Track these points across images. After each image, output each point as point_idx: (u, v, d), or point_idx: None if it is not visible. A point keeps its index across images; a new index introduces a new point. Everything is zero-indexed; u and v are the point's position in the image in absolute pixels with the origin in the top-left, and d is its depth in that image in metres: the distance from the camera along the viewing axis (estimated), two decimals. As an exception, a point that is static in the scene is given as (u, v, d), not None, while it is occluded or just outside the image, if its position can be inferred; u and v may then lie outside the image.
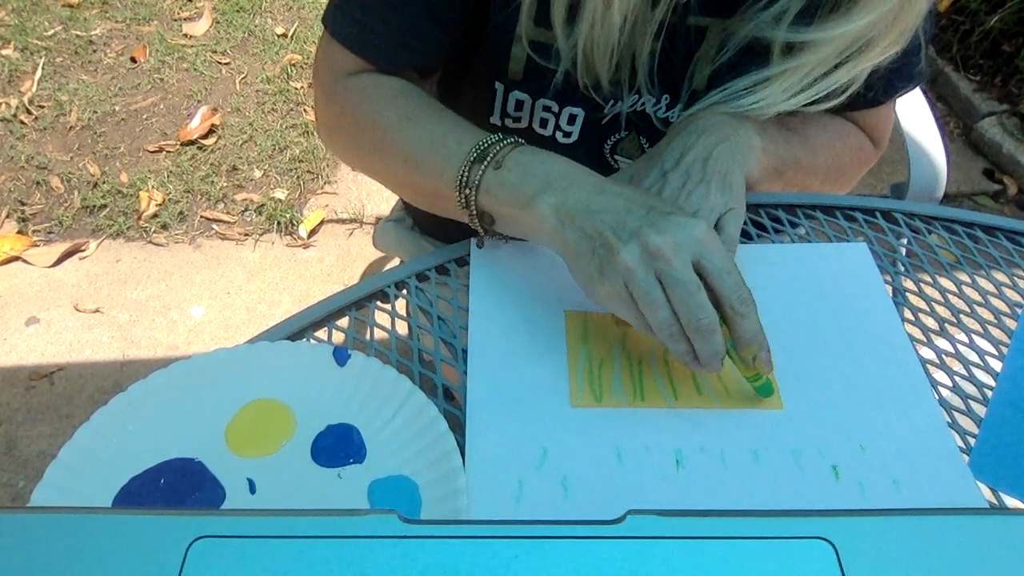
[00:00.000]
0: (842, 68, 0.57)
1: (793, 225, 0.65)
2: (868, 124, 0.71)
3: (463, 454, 0.45)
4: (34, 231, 1.67)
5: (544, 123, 0.65)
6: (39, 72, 2.01)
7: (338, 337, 0.54)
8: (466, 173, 0.52)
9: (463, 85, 0.68)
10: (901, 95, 0.68)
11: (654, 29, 0.57)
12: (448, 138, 0.55)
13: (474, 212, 0.53)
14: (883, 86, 0.64)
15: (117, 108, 1.95)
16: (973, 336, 0.55)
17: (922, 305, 0.58)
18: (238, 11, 2.27)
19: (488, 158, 0.52)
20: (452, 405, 0.49)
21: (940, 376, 0.52)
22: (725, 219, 0.56)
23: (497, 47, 0.60)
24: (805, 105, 0.59)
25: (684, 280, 0.44)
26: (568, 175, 0.51)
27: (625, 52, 0.58)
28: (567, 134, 0.65)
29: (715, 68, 0.61)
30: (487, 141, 0.53)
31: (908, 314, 0.57)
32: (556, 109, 0.63)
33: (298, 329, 0.54)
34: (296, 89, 2.02)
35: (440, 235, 0.86)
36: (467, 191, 0.53)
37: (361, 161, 0.64)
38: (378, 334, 0.54)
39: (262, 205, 1.74)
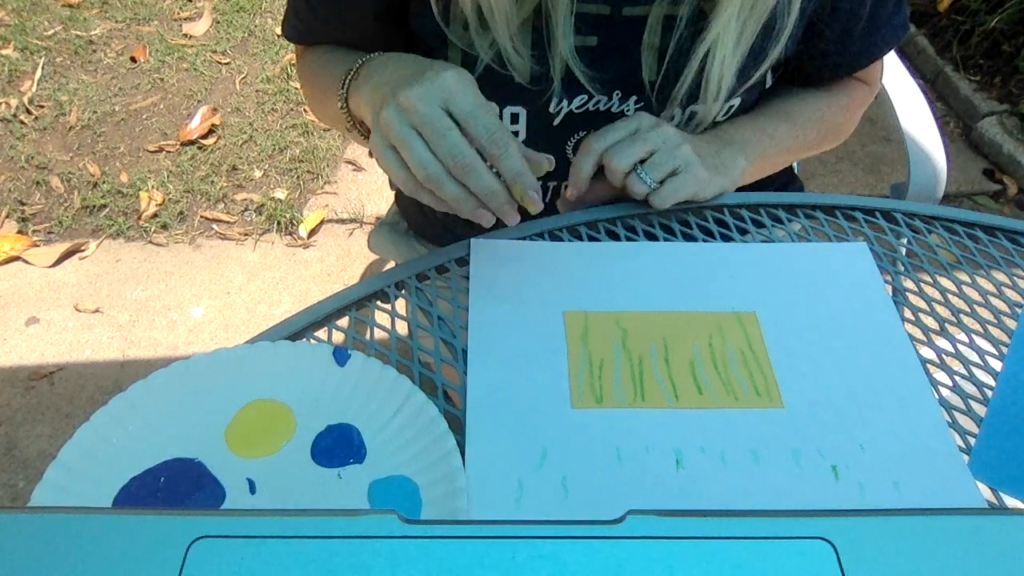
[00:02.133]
0: None
1: (793, 224, 0.65)
2: (859, 77, 0.73)
3: (463, 454, 0.45)
4: (34, 231, 1.67)
5: None
6: (39, 72, 2.01)
7: (338, 337, 0.54)
8: (341, 88, 0.57)
9: None
10: (886, 52, 0.69)
11: (566, 22, 0.57)
12: (344, 65, 0.60)
13: (351, 123, 0.58)
14: (864, 48, 0.66)
15: (117, 108, 1.95)
16: (973, 336, 0.55)
17: (922, 305, 0.58)
18: (238, 11, 2.27)
19: (352, 71, 0.57)
20: (452, 405, 0.49)
21: (940, 376, 0.52)
22: (680, 173, 0.60)
23: (432, 54, 0.61)
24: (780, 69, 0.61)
25: (432, 122, 0.46)
26: (393, 63, 0.54)
27: (551, 48, 0.59)
28: (514, 133, 0.65)
29: (667, 55, 0.60)
30: (360, 59, 0.57)
31: (908, 314, 0.57)
32: (497, 110, 0.64)
33: (298, 329, 0.54)
34: (296, 89, 2.02)
35: (434, 239, 0.86)
36: (341, 104, 0.58)
37: (312, 108, 0.72)
38: (378, 334, 0.54)
39: (262, 205, 1.74)
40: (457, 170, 0.46)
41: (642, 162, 0.59)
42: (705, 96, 0.61)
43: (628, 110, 0.64)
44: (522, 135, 0.66)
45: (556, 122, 0.65)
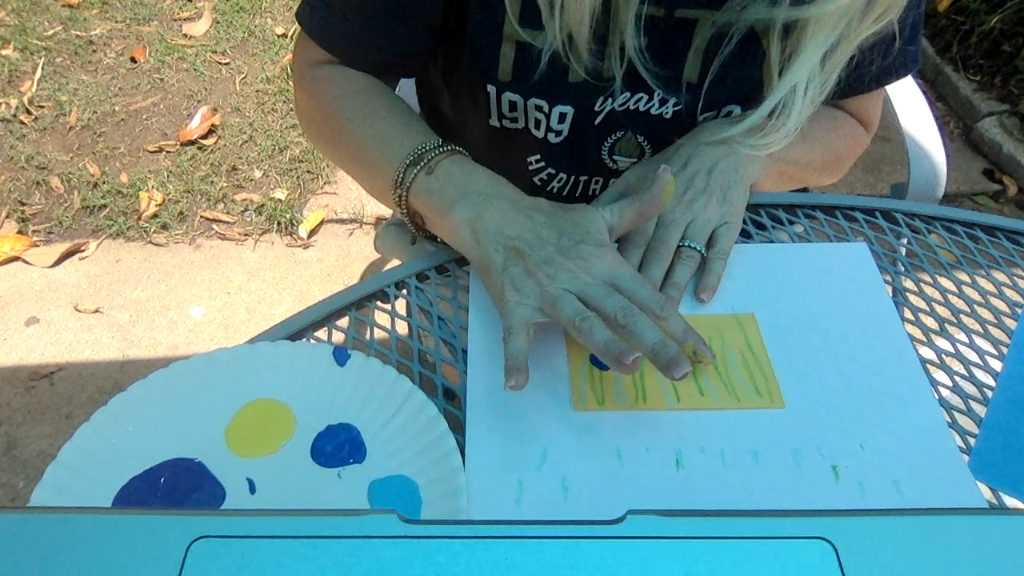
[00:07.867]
0: (842, 45, 0.56)
1: (793, 225, 0.65)
2: (858, 110, 0.72)
3: (463, 454, 0.45)
4: (34, 231, 1.67)
5: (538, 124, 0.65)
6: (39, 72, 2.01)
7: (338, 337, 0.54)
8: (401, 174, 0.56)
9: (461, 90, 0.68)
10: (893, 81, 0.68)
11: (631, 21, 0.57)
12: (395, 138, 0.59)
13: (405, 211, 0.58)
14: (875, 73, 0.65)
15: (117, 108, 1.95)
16: (973, 336, 0.55)
17: (922, 305, 0.58)
18: (238, 11, 2.27)
19: (422, 163, 0.56)
20: (452, 405, 0.49)
21: (940, 376, 0.52)
22: (719, 231, 0.58)
23: (485, 50, 0.60)
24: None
25: (600, 296, 0.48)
26: (484, 190, 0.54)
27: (612, 46, 0.58)
28: (557, 133, 0.66)
29: (711, 60, 0.60)
30: (425, 146, 0.57)
31: (908, 314, 0.57)
32: (547, 108, 0.63)
33: (298, 329, 0.54)
34: (296, 89, 2.02)
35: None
36: (400, 191, 0.57)
37: (324, 148, 0.69)
38: (378, 334, 0.54)
39: (262, 205, 1.74)
40: (626, 324, 0.47)
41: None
42: (777, 130, 0.60)
43: (667, 113, 0.64)
44: (564, 134, 0.66)
45: (598, 120, 0.65)
